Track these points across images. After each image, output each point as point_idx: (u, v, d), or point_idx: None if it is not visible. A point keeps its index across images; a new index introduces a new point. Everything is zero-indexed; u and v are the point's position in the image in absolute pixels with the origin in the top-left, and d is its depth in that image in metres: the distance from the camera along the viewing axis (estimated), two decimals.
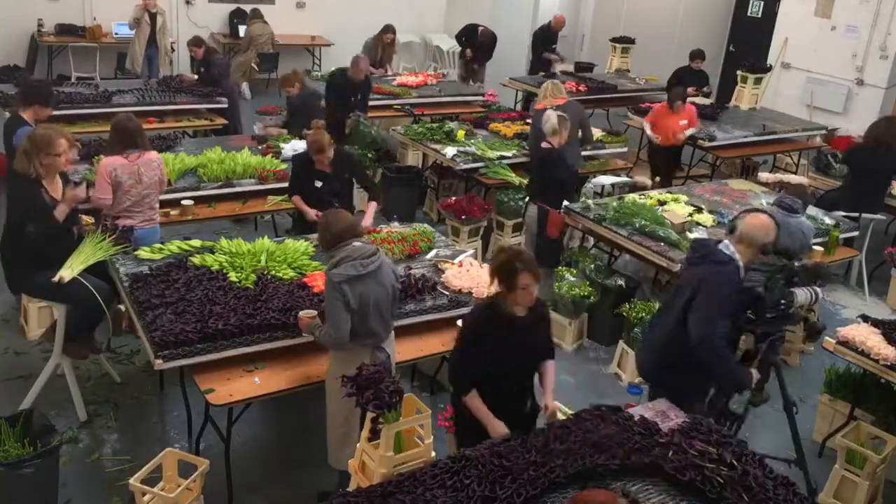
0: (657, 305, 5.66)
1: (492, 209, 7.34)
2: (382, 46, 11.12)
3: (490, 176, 7.47)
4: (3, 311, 5.83)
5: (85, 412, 4.76)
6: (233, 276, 4.62)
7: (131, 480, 3.73)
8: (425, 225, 5.85)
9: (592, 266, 6.19)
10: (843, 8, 10.93)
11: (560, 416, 3.58)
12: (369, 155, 8.20)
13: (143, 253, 4.84)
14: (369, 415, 3.26)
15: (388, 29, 11.04)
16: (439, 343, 4.67)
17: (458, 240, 7.11)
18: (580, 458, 3.19)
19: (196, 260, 4.77)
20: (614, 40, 12.50)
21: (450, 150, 7.56)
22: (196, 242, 5.05)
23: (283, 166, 6.56)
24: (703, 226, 6.24)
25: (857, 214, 7.16)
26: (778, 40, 11.75)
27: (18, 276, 4.70)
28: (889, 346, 4.73)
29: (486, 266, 5.22)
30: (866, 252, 7.38)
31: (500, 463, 3.13)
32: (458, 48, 12.46)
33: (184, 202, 5.98)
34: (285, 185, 6.19)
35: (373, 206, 5.85)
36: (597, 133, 8.43)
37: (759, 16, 13.09)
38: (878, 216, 7.52)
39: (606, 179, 7.82)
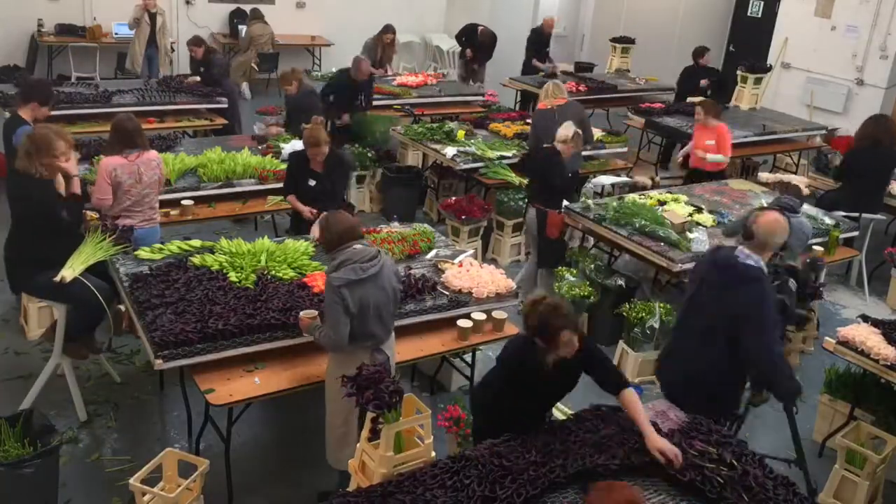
0: (657, 306, 5.67)
1: (492, 209, 7.35)
2: (382, 46, 11.13)
3: (490, 176, 7.47)
4: (3, 311, 5.83)
5: (85, 412, 4.76)
6: (233, 276, 4.61)
7: (131, 480, 3.73)
8: (425, 225, 5.85)
9: (592, 266, 6.19)
10: (843, 8, 10.93)
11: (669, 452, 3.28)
12: (369, 155, 8.20)
13: (143, 253, 4.84)
14: (369, 415, 3.26)
15: (388, 29, 11.05)
16: (439, 343, 4.68)
17: (458, 240, 7.12)
18: (580, 458, 3.20)
19: (196, 260, 4.77)
20: (614, 40, 12.50)
21: (450, 150, 7.56)
22: (196, 242, 5.05)
23: (283, 166, 6.55)
24: (703, 226, 6.24)
25: (857, 214, 7.16)
26: (778, 40, 11.76)
27: (20, 275, 4.69)
28: (889, 346, 4.74)
29: (486, 266, 5.23)
30: (866, 252, 7.38)
31: (500, 463, 3.13)
32: (458, 48, 12.46)
33: (184, 202, 5.98)
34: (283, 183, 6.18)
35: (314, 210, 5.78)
36: (597, 133, 8.44)
37: (759, 16, 13.10)
38: (878, 216, 7.52)
39: (606, 179, 7.82)
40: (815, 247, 6.21)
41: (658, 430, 3.44)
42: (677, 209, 6.41)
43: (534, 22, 13.09)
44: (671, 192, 6.95)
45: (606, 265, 6.45)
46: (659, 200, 6.65)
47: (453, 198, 7.56)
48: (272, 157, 6.87)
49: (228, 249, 4.93)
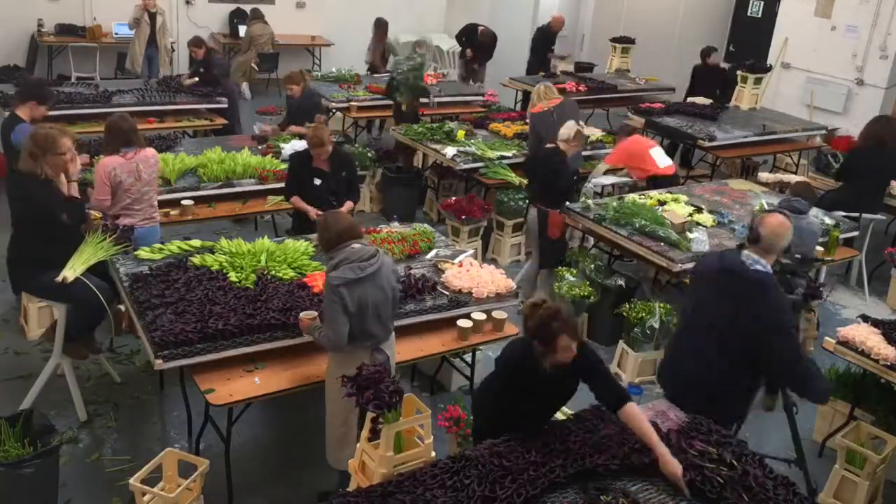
0: (657, 306, 5.67)
1: (492, 209, 7.35)
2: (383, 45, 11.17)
3: (490, 176, 7.47)
4: (3, 311, 5.83)
5: (85, 412, 4.76)
6: (233, 276, 4.62)
7: (131, 480, 3.73)
8: (425, 225, 5.85)
9: (592, 266, 6.19)
10: (843, 8, 10.93)
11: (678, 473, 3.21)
12: (369, 155, 8.21)
13: (143, 253, 4.84)
14: (369, 415, 3.26)
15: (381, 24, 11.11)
16: (439, 343, 4.68)
17: (458, 240, 7.12)
18: (580, 458, 3.20)
19: (196, 260, 4.77)
20: (614, 40, 12.49)
21: (450, 150, 7.56)
22: (196, 242, 5.05)
23: (283, 166, 6.55)
24: (703, 226, 6.23)
25: (857, 214, 7.16)
26: (778, 40, 11.75)
27: (21, 275, 4.70)
28: (889, 346, 4.73)
29: (486, 266, 5.23)
30: (866, 252, 7.38)
31: (500, 463, 3.13)
32: (458, 48, 12.46)
33: (184, 202, 5.98)
34: (284, 184, 6.16)
35: (348, 205, 5.82)
36: (597, 133, 8.44)
37: (759, 16, 13.09)
38: (878, 216, 7.52)
39: (606, 179, 7.81)
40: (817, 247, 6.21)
41: (658, 430, 3.44)
42: (677, 209, 6.41)
43: (534, 22, 13.09)
44: (671, 192, 6.94)
45: (606, 265, 6.45)
46: (659, 200, 6.65)
47: (453, 198, 7.56)
48: (272, 157, 6.87)
49: (228, 249, 4.93)
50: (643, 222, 6.01)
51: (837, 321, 6.56)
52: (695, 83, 10.77)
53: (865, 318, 5.09)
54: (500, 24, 12.52)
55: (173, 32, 11.48)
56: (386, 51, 11.15)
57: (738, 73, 10.42)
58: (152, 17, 10.45)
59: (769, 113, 10.25)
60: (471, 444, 3.89)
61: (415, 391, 5.19)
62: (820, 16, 11.19)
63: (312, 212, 5.66)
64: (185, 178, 6.28)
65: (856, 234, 6.99)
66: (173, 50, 11.12)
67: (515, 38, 12.69)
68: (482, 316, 4.76)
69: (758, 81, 10.49)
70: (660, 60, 12.44)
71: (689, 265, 5.65)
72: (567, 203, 6.40)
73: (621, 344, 5.84)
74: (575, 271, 6.13)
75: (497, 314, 4.84)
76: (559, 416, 3.72)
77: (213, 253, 4.90)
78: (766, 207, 6.63)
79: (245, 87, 11.83)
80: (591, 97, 10.54)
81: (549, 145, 6.38)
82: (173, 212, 5.91)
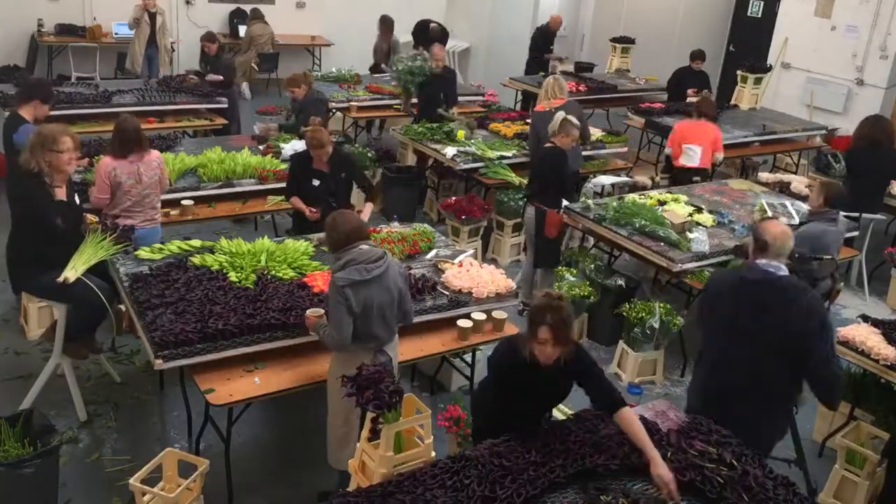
0: (657, 306, 5.65)
1: (492, 209, 7.35)
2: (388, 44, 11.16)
3: (490, 176, 7.47)
4: (3, 311, 5.83)
5: (85, 412, 4.76)
6: (233, 276, 4.62)
7: (131, 480, 3.73)
8: (425, 225, 5.85)
9: (592, 266, 6.19)
10: (843, 8, 10.93)
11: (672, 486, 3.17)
12: (369, 154, 8.20)
13: (143, 253, 4.84)
14: (369, 415, 3.26)
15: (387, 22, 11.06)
16: (439, 343, 4.68)
17: (458, 240, 7.12)
18: (580, 458, 3.20)
19: (196, 260, 4.77)
20: (614, 40, 12.50)
21: (450, 150, 7.56)
22: (196, 242, 5.05)
23: (283, 166, 6.56)
24: (703, 226, 6.23)
25: (857, 214, 7.16)
26: (778, 40, 11.76)
27: (21, 275, 4.70)
28: (889, 346, 4.74)
29: (486, 266, 5.22)
30: (866, 252, 7.38)
31: (500, 463, 3.13)
32: (459, 48, 12.43)
33: (184, 202, 5.98)
34: (285, 185, 6.16)
35: (369, 207, 5.81)
36: (597, 133, 8.44)
37: (759, 16, 13.10)
38: (878, 216, 7.52)
39: (606, 179, 7.81)
40: None
41: (658, 430, 3.44)
42: (677, 209, 6.41)
43: (534, 22, 13.09)
44: (671, 192, 6.95)
45: (606, 265, 6.45)
46: (659, 200, 6.65)
47: (453, 198, 7.56)
48: (272, 157, 6.87)
49: (228, 249, 4.93)
50: (643, 222, 6.01)
51: (837, 321, 6.55)
52: (677, 85, 10.61)
53: (865, 318, 5.09)
54: (500, 24, 12.53)
55: (173, 32, 11.49)
56: (391, 49, 11.14)
57: (739, 72, 10.44)
58: (152, 17, 10.45)
59: (769, 113, 10.26)
60: (471, 444, 3.89)
61: (415, 391, 5.19)
62: (820, 16, 11.19)
63: (307, 211, 5.67)
64: (185, 178, 6.28)
65: (856, 234, 6.99)
66: (173, 50, 11.12)
67: (515, 38, 12.69)
68: (482, 316, 4.76)
69: (758, 81, 10.50)
70: (660, 60, 12.43)
71: (690, 265, 5.67)
72: (567, 203, 6.40)
73: (621, 344, 5.84)
74: (575, 271, 6.13)
75: (497, 314, 4.84)
76: (559, 416, 3.72)
77: (213, 253, 4.90)
78: (766, 208, 6.64)
79: (245, 87, 11.82)
80: (591, 97, 10.54)
81: (547, 144, 6.39)
82: (173, 212, 5.91)
